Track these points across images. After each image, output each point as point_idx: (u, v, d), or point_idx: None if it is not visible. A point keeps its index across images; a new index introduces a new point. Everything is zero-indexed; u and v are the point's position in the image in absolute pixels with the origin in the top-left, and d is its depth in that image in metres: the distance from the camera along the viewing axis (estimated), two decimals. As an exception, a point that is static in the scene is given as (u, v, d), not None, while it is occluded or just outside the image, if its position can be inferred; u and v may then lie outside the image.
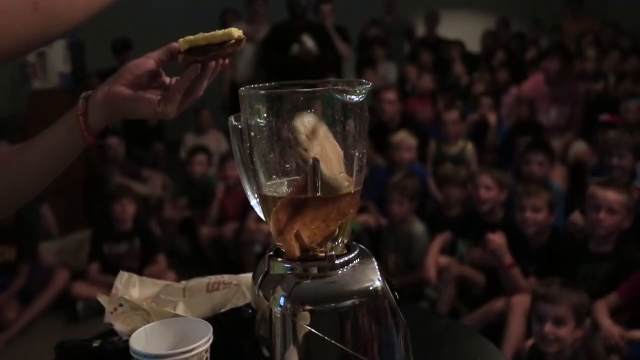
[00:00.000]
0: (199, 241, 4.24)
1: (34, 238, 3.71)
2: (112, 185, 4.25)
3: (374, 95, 5.19)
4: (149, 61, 0.85)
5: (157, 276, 3.63)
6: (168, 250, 4.09)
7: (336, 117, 0.76)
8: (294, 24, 5.23)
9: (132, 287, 1.03)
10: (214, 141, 5.29)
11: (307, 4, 5.32)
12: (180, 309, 0.93)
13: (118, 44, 5.86)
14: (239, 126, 0.82)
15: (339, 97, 0.74)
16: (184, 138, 5.47)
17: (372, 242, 3.92)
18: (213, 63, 0.82)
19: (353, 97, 0.73)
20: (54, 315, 3.59)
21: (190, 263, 4.33)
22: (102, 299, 0.92)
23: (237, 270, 0.95)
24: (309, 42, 5.04)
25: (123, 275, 1.03)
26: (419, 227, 3.52)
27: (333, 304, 0.79)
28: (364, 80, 0.77)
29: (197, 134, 5.39)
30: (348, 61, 6.09)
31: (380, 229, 3.84)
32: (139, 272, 3.67)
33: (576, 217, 3.10)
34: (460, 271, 3.25)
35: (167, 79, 0.87)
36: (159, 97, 0.84)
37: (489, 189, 3.23)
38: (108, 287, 1.04)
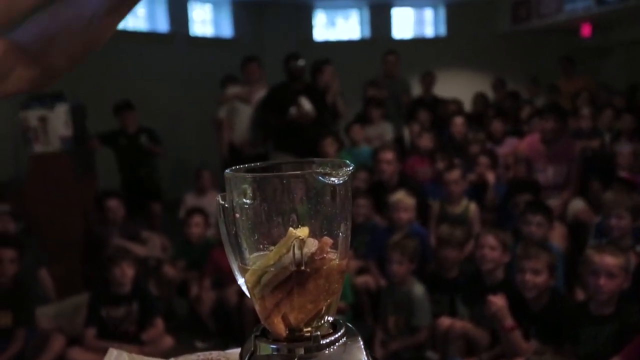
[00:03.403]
0: (196, 306, 4.20)
1: (30, 303, 3.68)
2: (111, 248, 4.25)
3: (372, 155, 5.24)
4: None
5: (155, 340, 3.61)
6: (166, 313, 4.04)
7: (319, 199, 0.77)
8: (291, 86, 5.33)
9: (121, 365, 1.01)
10: (214, 202, 5.31)
11: (304, 66, 5.43)
12: (166, 389, 0.92)
13: (119, 104, 5.93)
14: (226, 205, 0.83)
15: (322, 179, 0.75)
16: (184, 198, 5.50)
17: (372, 303, 3.89)
18: None
19: (334, 179, 0.74)
20: (49, 382, 3.53)
21: (188, 326, 4.28)
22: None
23: (239, 335, 0.93)
24: (306, 104, 5.12)
25: (112, 353, 1.02)
26: (418, 289, 3.49)
27: (320, 385, 0.78)
28: (347, 162, 0.78)
29: (197, 195, 5.42)
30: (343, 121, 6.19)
31: (380, 290, 3.81)
32: (137, 335, 3.62)
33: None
34: (465, 330, 3.21)
35: None
36: None
37: (493, 249, 3.23)
38: (104, 353, 1.02)
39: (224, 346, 1.01)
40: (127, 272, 3.64)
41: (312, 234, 0.80)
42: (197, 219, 4.58)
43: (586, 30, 9.42)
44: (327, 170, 0.75)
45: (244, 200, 0.79)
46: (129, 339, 3.58)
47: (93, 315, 3.64)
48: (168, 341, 3.66)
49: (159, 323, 3.69)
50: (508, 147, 5.51)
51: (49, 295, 4.14)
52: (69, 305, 4.03)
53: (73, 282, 4.41)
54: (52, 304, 4.08)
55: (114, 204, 4.67)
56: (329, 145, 5.19)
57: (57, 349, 3.52)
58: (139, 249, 4.48)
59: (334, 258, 0.80)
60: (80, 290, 4.25)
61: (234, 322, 4.05)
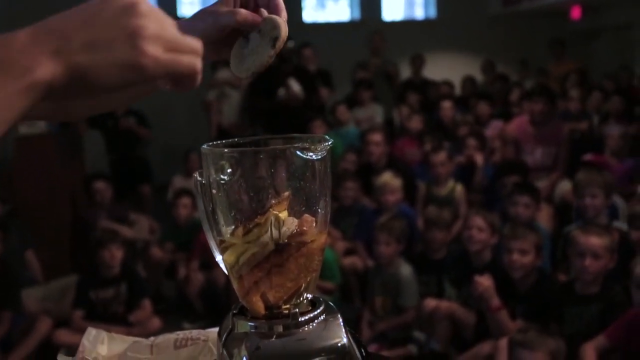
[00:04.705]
0: (184, 288, 4.20)
1: (16, 285, 3.66)
2: (99, 230, 4.22)
3: (361, 136, 5.23)
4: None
5: (143, 322, 3.60)
6: (154, 295, 4.04)
7: (297, 175, 0.76)
8: (280, 68, 5.29)
9: (100, 344, 1.00)
10: (202, 184, 5.30)
11: (293, 48, 5.39)
12: (145, 368, 0.91)
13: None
14: (203, 182, 0.82)
15: (300, 154, 0.74)
16: (172, 180, 5.48)
17: (359, 284, 3.90)
18: None
19: (312, 154, 0.73)
20: (36, 365, 3.52)
21: (177, 308, 4.28)
22: (63, 359, 0.90)
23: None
24: (295, 85, 5.09)
25: (91, 332, 1.01)
26: (406, 270, 3.50)
27: (299, 363, 0.77)
28: (327, 137, 0.77)
29: (185, 177, 5.40)
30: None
31: (367, 271, 3.82)
32: (125, 317, 3.61)
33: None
34: (451, 310, 3.22)
35: None
36: None
37: (481, 231, 3.23)
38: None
39: (212, 327, 1.00)
40: (115, 254, 3.63)
41: (291, 210, 0.79)
42: (185, 200, 4.56)
43: (576, 13, 9.40)
44: (306, 145, 0.74)
45: (221, 176, 0.78)
46: (117, 320, 3.58)
47: (81, 297, 3.63)
48: (156, 323, 3.65)
49: (147, 305, 3.69)
50: (493, 129, 5.50)
51: (35, 278, 4.12)
52: (56, 288, 4.02)
53: (61, 265, 4.39)
54: (38, 287, 4.06)
55: (101, 186, 4.64)
56: (318, 128, 5.16)
57: (43, 331, 3.50)
58: (127, 231, 4.46)
59: (314, 236, 0.79)
60: (67, 272, 4.23)
61: (222, 303, 4.04)
